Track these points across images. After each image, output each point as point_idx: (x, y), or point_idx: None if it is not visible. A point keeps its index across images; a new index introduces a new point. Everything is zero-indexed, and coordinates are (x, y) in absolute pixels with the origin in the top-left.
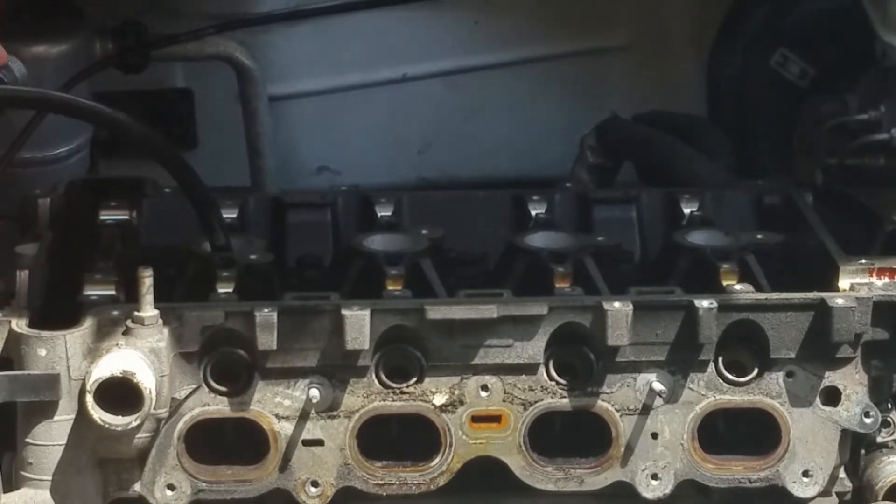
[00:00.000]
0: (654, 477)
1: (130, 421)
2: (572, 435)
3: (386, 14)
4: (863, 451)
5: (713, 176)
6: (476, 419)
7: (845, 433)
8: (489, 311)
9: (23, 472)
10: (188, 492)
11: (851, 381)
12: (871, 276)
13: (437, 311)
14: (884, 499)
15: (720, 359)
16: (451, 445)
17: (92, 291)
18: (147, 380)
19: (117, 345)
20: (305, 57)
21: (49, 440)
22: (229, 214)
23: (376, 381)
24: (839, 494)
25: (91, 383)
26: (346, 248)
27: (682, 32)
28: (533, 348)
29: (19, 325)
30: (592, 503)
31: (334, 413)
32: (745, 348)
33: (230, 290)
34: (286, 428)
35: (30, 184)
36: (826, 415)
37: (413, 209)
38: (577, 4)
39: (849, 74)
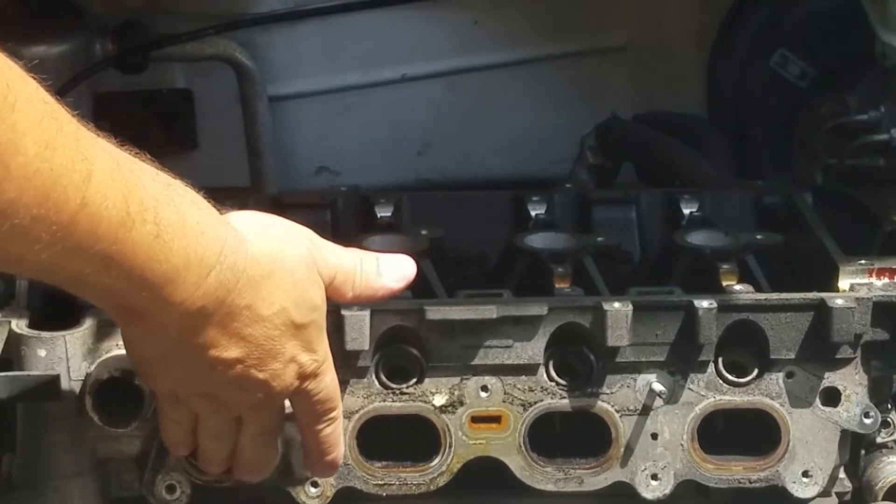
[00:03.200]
0: (654, 477)
1: (130, 422)
2: (572, 435)
3: (386, 14)
4: (863, 452)
5: (713, 176)
6: (476, 420)
7: (845, 433)
8: (489, 311)
9: (22, 473)
10: (188, 491)
11: (851, 381)
12: (871, 276)
13: (436, 312)
14: (884, 499)
15: (720, 359)
16: (450, 446)
17: None
18: None
19: (117, 345)
20: (305, 57)
21: (49, 441)
22: None
23: (376, 382)
24: (839, 495)
25: (90, 384)
26: None
27: (682, 32)
28: (533, 349)
29: (19, 325)
30: (592, 503)
31: None
32: (744, 349)
33: None
34: (286, 429)
35: None
36: (826, 415)
37: (413, 209)
38: (576, 4)
39: (849, 74)
